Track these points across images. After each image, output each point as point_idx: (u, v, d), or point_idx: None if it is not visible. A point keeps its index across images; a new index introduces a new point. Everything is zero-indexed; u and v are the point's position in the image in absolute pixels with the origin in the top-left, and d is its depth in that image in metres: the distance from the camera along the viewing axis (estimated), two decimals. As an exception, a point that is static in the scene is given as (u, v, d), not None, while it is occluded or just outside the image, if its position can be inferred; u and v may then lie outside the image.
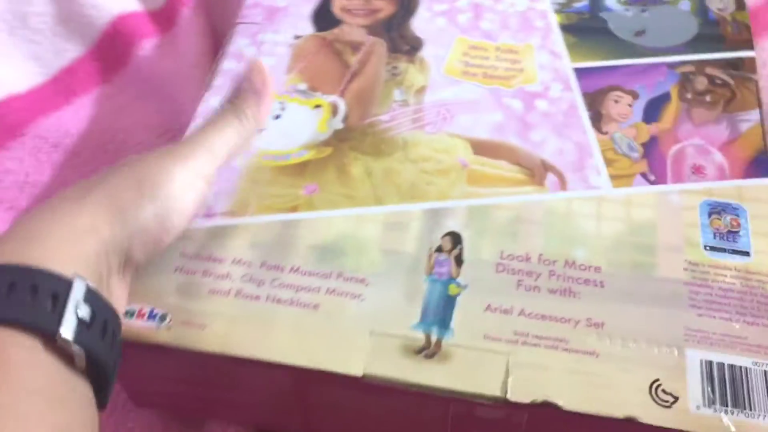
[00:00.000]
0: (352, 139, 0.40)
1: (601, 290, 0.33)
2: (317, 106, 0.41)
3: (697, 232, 0.36)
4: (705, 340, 0.32)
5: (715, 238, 0.35)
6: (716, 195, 0.37)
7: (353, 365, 0.31)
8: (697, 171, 0.38)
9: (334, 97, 0.42)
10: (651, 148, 0.39)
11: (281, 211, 0.37)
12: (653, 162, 0.38)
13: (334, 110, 0.41)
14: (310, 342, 0.32)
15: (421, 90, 0.42)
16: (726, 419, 0.30)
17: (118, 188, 0.31)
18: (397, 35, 0.45)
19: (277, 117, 0.41)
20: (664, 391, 0.30)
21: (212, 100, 0.41)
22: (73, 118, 0.44)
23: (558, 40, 0.44)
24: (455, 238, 0.35)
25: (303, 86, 0.43)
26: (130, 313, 0.33)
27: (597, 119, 0.40)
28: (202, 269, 0.35)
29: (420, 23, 0.46)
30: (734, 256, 0.35)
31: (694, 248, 0.35)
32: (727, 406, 0.30)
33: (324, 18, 0.46)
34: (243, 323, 0.33)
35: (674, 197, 0.37)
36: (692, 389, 0.31)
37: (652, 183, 0.38)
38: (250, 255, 0.35)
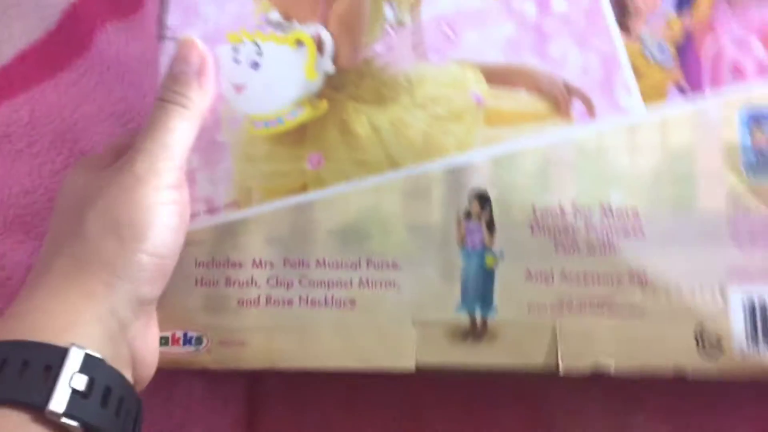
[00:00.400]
0: (348, 85, 0.36)
1: (640, 239, 0.33)
2: (299, 43, 0.36)
3: (737, 152, 0.34)
4: (746, 277, 0.33)
5: (756, 156, 0.34)
6: (756, 99, 0.34)
7: (403, 359, 0.32)
8: (737, 71, 0.35)
9: (315, 27, 0.36)
10: (684, 47, 0.36)
11: (289, 192, 0.35)
12: (687, 66, 0.35)
13: (320, 45, 0.36)
14: (354, 342, 0.32)
15: (415, 2, 0.36)
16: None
17: (98, 243, 0.30)
18: None
19: (256, 65, 0.36)
20: (709, 338, 0.32)
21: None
22: (27, 106, 0.39)
23: None
24: (483, 200, 0.34)
25: (275, 15, 0.37)
26: (164, 340, 0.33)
27: (623, 14, 0.36)
28: (223, 278, 0.34)
29: None
30: (776, 174, 0.34)
31: (735, 172, 0.34)
32: (770, 345, 0.32)
33: None
34: (282, 333, 0.33)
35: (712, 110, 0.35)
36: (736, 331, 0.32)
37: (687, 94, 0.35)
38: (269, 253, 0.34)
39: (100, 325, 0.29)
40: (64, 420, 0.27)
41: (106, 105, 0.40)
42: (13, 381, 0.27)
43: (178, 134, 0.33)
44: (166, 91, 0.34)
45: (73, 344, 0.28)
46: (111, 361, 0.29)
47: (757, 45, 0.36)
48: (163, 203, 0.32)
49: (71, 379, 0.27)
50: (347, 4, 0.37)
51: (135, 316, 0.31)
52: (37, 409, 0.27)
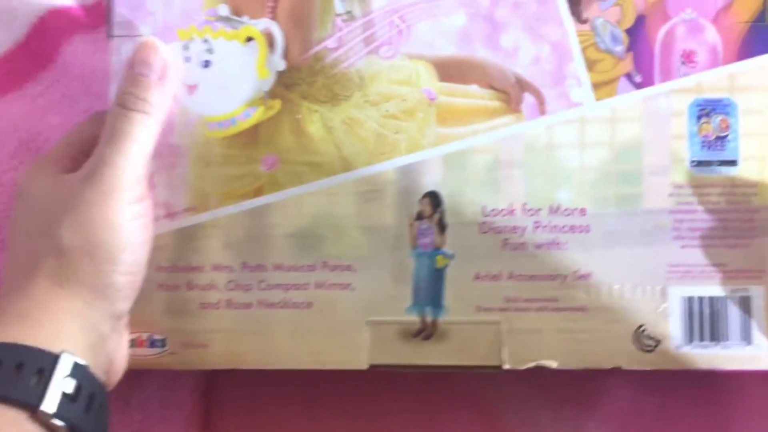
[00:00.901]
0: (300, 83, 0.36)
1: (587, 236, 0.35)
2: (249, 39, 0.36)
3: (684, 144, 0.35)
4: (687, 275, 0.34)
5: (702, 148, 0.35)
6: (707, 90, 0.35)
7: (357, 359, 0.34)
8: (688, 59, 0.35)
9: (265, 22, 0.36)
10: (637, 34, 0.35)
11: (245, 196, 0.36)
12: (639, 55, 0.35)
13: (270, 41, 0.36)
14: (311, 343, 0.35)
15: (364, -8, 0.36)
16: (703, 353, 0.34)
17: (75, 264, 0.32)
18: None
19: (207, 64, 0.36)
20: (648, 335, 0.34)
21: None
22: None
23: None
24: (434, 199, 0.35)
25: (225, 9, 0.37)
26: (130, 342, 0.35)
27: (575, 1, 0.35)
28: (185, 282, 0.35)
29: None
30: (721, 168, 0.34)
31: (681, 166, 0.35)
32: (705, 340, 0.34)
33: None
34: (242, 335, 0.35)
35: (662, 101, 0.35)
36: (674, 329, 0.34)
37: (637, 86, 0.35)
38: (228, 257, 0.35)
39: (82, 336, 0.31)
40: (53, 420, 0.29)
41: (71, 116, 0.41)
42: (8, 381, 0.29)
43: (142, 143, 0.34)
44: (128, 97, 0.35)
45: (63, 351, 0.30)
46: (93, 369, 0.31)
47: (710, 29, 0.36)
48: (133, 219, 0.33)
49: (62, 382, 0.30)
50: (296, -4, 0.37)
51: (112, 328, 0.33)
52: (30, 408, 0.29)
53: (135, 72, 0.35)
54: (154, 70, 0.35)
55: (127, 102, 0.34)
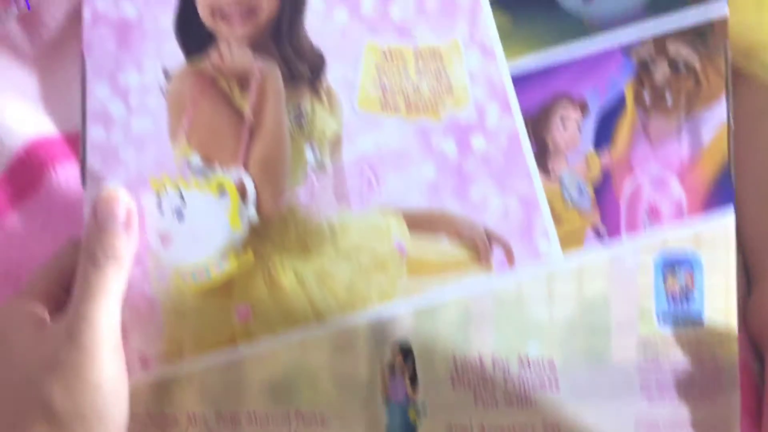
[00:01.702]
0: (272, 235, 0.37)
1: (555, 392, 0.36)
2: (221, 190, 0.37)
3: (650, 299, 0.36)
4: (654, 430, 0.35)
5: (668, 303, 0.36)
6: (672, 244, 0.36)
7: None
8: (653, 214, 0.36)
9: (236, 172, 0.37)
10: (603, 188, 0.37)
11: (219, 346, 0.37)
12: (605, 210, 0.37)
13: (242, 192, 0.37)
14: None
15: (335, 141, 0.37)
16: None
17: (66, 428, 0.33)
18: (290, 49, 0.38)
19: (180, 215, 0.37)
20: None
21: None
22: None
23: (489, 25, 0.37)
24: (405, 352, 0.36)
25: (196, 159, 0.38)
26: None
27: (542, 154, 0.37)
28: (159, 433, 0.36)
29: (315, 22, 0.38)
30: (686, 323, 0.36)
31: (647, 320, 0.36)
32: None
33: (191, 31, 0.38)
34: (218, 487, 0.36)
35: (628, 256, 0.36)
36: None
37: (603, 239, 0.36)
38: (203, 408, 0.37)
39: None
40: None
41: (52, 244, 0.41)
42: None
43: (116, 293, 0.36)
44: (97, 247, 0.36)
45: None
46: None
47: (675, 184, 0.37)
48: (116, 375, 0.35)
49: None
50: (267, 147, 0.38)
51: None
52: None
53: (100, 224, 0.36)
54: (119, 220, 0.36)
55: (96, 252, 0.36)
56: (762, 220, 0.39)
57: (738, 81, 0.38)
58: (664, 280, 0.37)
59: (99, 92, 0.38)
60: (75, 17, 0.46)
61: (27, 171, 0.43)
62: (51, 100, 0.45)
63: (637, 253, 0.37)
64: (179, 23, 0.38)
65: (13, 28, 0.43)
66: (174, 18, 0.38)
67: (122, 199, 0.37)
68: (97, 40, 0.38)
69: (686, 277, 0.37)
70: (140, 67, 0.38)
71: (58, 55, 0.45)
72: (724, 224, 0.36)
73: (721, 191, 0.37)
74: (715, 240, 0.36)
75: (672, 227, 0.37)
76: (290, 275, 0.37)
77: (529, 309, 0.37)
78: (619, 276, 0.37)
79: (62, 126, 0.44)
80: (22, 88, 0.45)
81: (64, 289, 0.38)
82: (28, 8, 0.43)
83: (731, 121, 0.37)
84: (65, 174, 0.43)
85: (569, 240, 0.37)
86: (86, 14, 0.38)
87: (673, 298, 0.37)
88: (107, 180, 0.38)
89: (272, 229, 0.37)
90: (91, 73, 0.38)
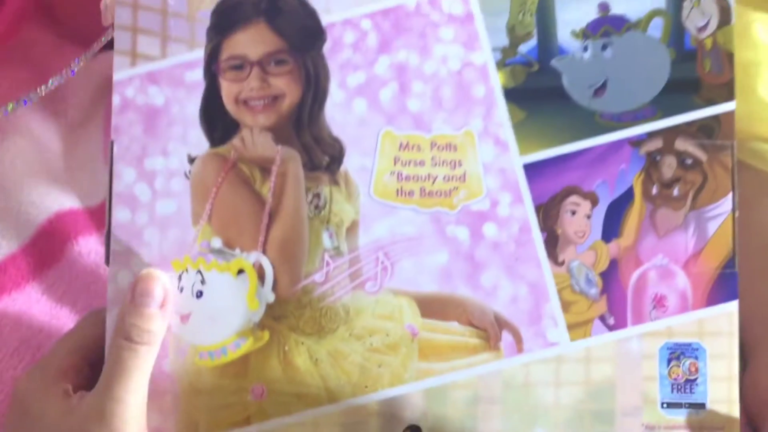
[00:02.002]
0: (288, 316, 0.38)
1: (561, 478, 0.37)
2: (240, 271, 0.39)
3: (655, 386, 0.37)
4: None
5: (672, 390, 0.37)
6: (677, 334, 0.38)
7: None
8: (659, 303, 0.38)
9: (255, 255, 0.39)
10: (610, 278, 0.38)
11: (234, 425, 0.38)
12: (612, 298, 0.38)
13: (261, 274, 0.39)
14: None
15: (352, 227, 0.39)
16: None
17: None
18: (311, 137, 0.40)
19: (200, 295, 0.39)
20: None
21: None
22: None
23: (503, 118, 0.39)
24: (415, 434, 0.37)
25: (218, 242, 0.39)
26: None
27: (552, 243, 0.38)
28: None
29: (334, 111, 0.40)
30: (690, 411, 0.37)
31: (652, 407, 0.37)
32: None
33: (216, 119, 0.40)
34: None
35: (634, 344, 0.38)
36: None
37: (611, 328, 0.37)
38: (217, 485, 0.37)
39: None
40: None
41: (72, 313, 0.43)
42: None
43: (146, 373, 0.37)
44: (133, 326, 0.37)
45: None
46: None
47: (680, 275, 0.38)
48: None
49: None
50: (287, 230, 0.40)
51: None
52: None
53: (137, 303, 0.37)
54: (156, 301, 0.37)
55: (131, 334, 0.37)
56: (754, 298, 0.41)
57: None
58: (669, 368, 0.38)
59: (126, 176, 0.40)
60: (99, 99, 0.49)
61: (49, 242, 0.45)
62: (74, 176, 0.47)
63: (642, 341, 0.38)
64: (204, 111, 0.40)
65: (39, 109, 0.46)
66: (200, 106, 0.40)
67: (161, 279, 0.38)
68: (125, 125, 0.40)
69: (690, 365, 0.38)
70: (166, 153, 0.40)
71: (83, 132, 0.47)
72: (728, 314, 0.38)
73: (725, 284, 0.38)
74: (719, 330, 0.38)
75: (677, 317, 0.38)
76: (304, 355, 0.39)
77: (537, 394, 0.38)
78: (625, 362, 0.38)
79: (84, 200, 0.47)
80: (46, 164, 0.47)
81: (86, 361, 0.39)
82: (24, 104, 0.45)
83: (736, 214, 0.38)
84: (87, 246, 0.45)
85: (577, 327, 0.38)
86: (115, 100, 0.40)
87: (677, 385, 0.38)
88: (130, 260, 0.39)
89: (288, 310, 0.39)
90: (119, 156, 0.40)
